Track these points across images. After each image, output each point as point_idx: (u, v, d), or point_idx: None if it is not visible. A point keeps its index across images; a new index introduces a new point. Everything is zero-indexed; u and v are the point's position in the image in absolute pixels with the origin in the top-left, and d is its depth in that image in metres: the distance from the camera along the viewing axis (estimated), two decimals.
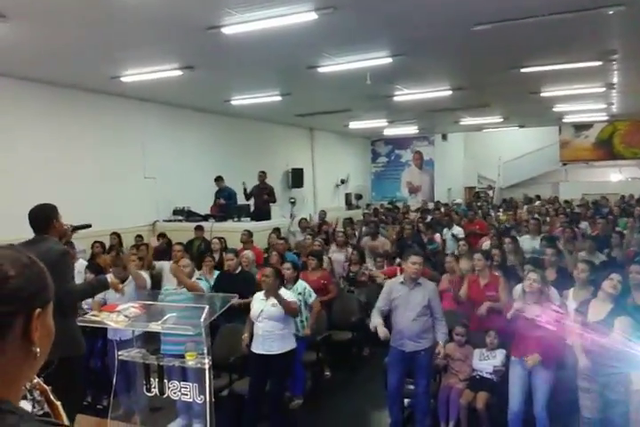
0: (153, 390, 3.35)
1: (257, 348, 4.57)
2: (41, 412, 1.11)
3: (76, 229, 4.50)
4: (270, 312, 4.53)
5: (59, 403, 1.14)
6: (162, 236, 8.75)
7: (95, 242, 7.43)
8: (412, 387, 4.66)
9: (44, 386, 1.13)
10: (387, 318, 4.67)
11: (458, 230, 9.54)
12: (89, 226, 4.94)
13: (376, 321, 4.56)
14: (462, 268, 5.85)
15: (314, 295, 5.50)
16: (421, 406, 4.57)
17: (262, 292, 4.71)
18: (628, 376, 3.69)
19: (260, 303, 4.61)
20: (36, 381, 1.14)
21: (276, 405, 4.61)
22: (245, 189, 10.86)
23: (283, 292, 4.68)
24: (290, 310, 4.55)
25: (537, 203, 15.16)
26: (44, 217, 3.77)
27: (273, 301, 4.56)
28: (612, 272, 4.10)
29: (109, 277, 3.91)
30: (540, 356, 4.12)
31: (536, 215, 10.76)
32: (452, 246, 8.99)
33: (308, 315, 5.48)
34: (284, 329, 4.57)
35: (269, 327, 4.51)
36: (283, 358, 4.52)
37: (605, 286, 3.97)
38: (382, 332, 4.46)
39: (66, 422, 1.10)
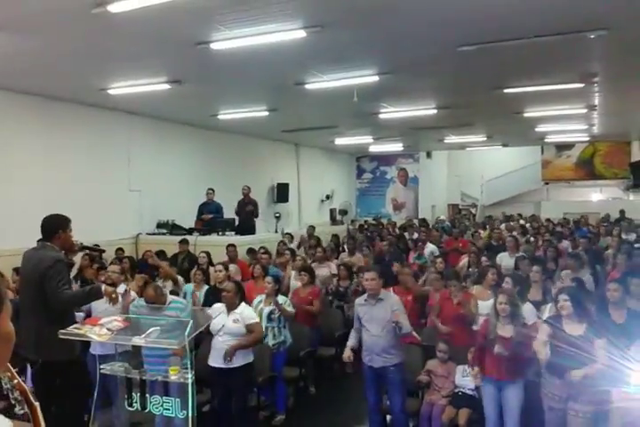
0: (134, 404, 3.31)
1: (214, 361, 4.57)
2: (22, 411, 1.10)
3: (85, 248, 4.56)
4: (231, 329, 4.55)
5: (37, 404, 1.13)
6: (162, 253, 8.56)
7: (85, 254, 7.34)
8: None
9: (24, 386, 1.12)
10: None
11: (432, 248, 9.59)
12: (102, 251, 4.98)
13: (348, 343, 4.78)
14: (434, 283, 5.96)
15: (291, 308, 5.52)
16: (398, 423, 4.60)
17: (223, 305, 4.71)
18: (608, 394, 3.71)
19: (221, 318, 4.58)
20: (16, 381, 1.13)
21: (244, 420, 4.60)
22: (236, 209, 10.85)
23: (242, 307, 4.70)
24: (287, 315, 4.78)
25: (520, 221, 15.31)
26: (51, 226, 3.97)
27: (234, 316, 4.59)
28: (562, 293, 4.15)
29: (104, 286, 3.90)
30: (509, 373, 4.15)
31: (514, 233, 10.88)
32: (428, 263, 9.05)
33: (283, 325, 5.50)
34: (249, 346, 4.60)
35: (228, 342, 4.52)
36: (241, 372, 4.53)
37: (560, 309, 4.04)
38: (345, 353, 4.70)
39: (42, 423, 1.10)
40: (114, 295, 3.85)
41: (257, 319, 4.79)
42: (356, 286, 7.31)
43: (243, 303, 4.77)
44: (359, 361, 4.81)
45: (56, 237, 3.97)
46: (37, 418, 1.11)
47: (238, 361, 4.53)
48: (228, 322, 4.58)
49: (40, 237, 4.06)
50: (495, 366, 4.24)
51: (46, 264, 3.78)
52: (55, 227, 4.00)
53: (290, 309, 5.49)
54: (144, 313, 4.36)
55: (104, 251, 4.97)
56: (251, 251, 8.52)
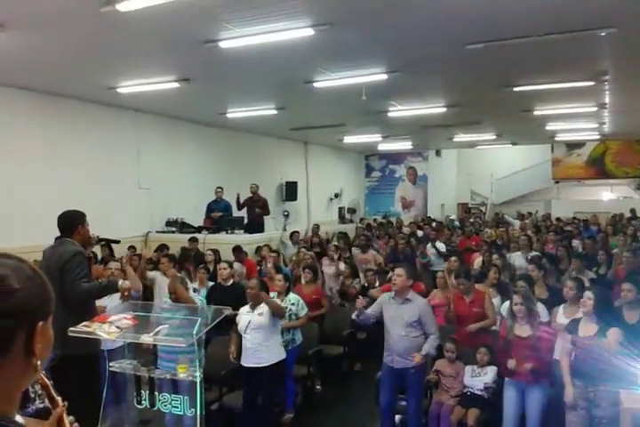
0: (143, 402, 3.33)
1: (246, 361, 4.57)
2: (41, 405, 1.10)
3: (102, 240, 4.63)
4: (258, 322, 4.55)
5: (59, 399, 1.13)
6: (165, 247, 8.62)
7: (103, 245, 7.40)
8: (403, 403, 4.65)
9: (46, 381, 1.12)
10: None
11: (440, 246, 9.58)
12: (117, 241, 5.06)
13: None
14: (454, 284, 5.87)
15: (305, 310, 5.52)
16: (413, 424, 4.55)
17: (248, 305, 4.73)
18: (618, 395, 3.69)
19: (246, 316, 4.62)
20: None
21: (267, 418, 4.60)
22: (239, 199, 10.85)
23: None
24: (277, 310, 4.63)
25: (528, 220, 15.24)
26: (69, 222, 4.05)
27: (259, 310, 4.60)
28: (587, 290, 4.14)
29: (121, 281, 3.95)
30: (531, 375, 4.13)
31: (528, 232, 10.82)
32: (435, 261, 9.04)
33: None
34: (272, 340, 4.59)
35: (258, 339, 4.53)
36: (273, 370, 4.53)
37: (581, 306, 4.03)
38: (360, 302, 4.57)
39: (65, 419, 1.09)
40: (126, 293, 3.88)
41: (305, 310, 4.98)
42: (356, 283, 7.33)
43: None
44: (365, 360, 4.79)
45: (75, 233, 4.06)
46: (60, 413, 1.10)
47: (270, 359, 4.52)
48: (253, 317, 4.58)
49: (49, 234, 4.10)
50: (520, 368, 4.20)
51: (66, 257, 3.86)
52: (74, 222, 4.08)
53: (303, 312, 5.48)
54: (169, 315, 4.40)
55: (119, 241, 5.03)
56: (257, 249, 8.56)
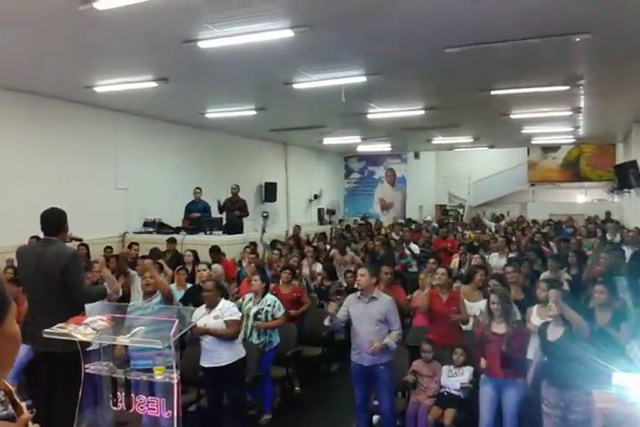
0: (119, 404, 3.29)
1: (205, 362, 4.57)
2: (4, 413, 1.09)
3: (73, 239, 4.61)
4: (213, 325, 4.54)
5: (23, 404, 1.12)
6: (135, 244, 8.59)
7: (80, 245, 7.28)
8: (377, 403, 4.68)
9: (9, 387, 1.11)
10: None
11: (414, 247, 9.65)
12: (80, 239, 5.02)
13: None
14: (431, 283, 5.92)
15: (282, 311, 5.51)
16: (387, 422, 4.60)
17: (204, 306, 4.72)
18: (591, 395, 3.75)
19: (202, 319, 4.58)
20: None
21: (238, 418, 4.60)
22: (219, 204, 10.82)
23: (222, 303, 4.72)
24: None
25: (503, 222, 15.47)
26: (58, 221, 4.07)
27: (215, 313, 4.60)
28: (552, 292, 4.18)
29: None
30: (505, 372, 4.20)
31: (503, 234, 10.97)
32: (410, 262, 9.12)
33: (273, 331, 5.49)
34: (229, 341, 4.59)
35: (215, 341, 4.53)
36: (233, 369, 4.53)
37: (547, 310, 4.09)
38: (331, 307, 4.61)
39: (30, 424, 1.08)
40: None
41: (236, 317, 4.70)
42: (338, 285, 7.35)
43: (223, 300, 4.78)
44: (344, 361, 4.81)
45: (62, 231, 4.08)
46: (24, 418, 1.09)
47: (229, 359, 4.52)
48: (209, 320, 4.58)
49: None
50: (491, 364, 4.28)
51: (66, 259, 3.92)
52: (62, 221, 4.10)
53: (280, 312, 5.47)
54: (140, 313, 4.36)
55: (81, 239, 5.05)
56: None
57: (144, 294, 4.60)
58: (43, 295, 3.93)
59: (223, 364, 4.50)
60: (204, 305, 4.73)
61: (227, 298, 5.04)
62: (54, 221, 4.08)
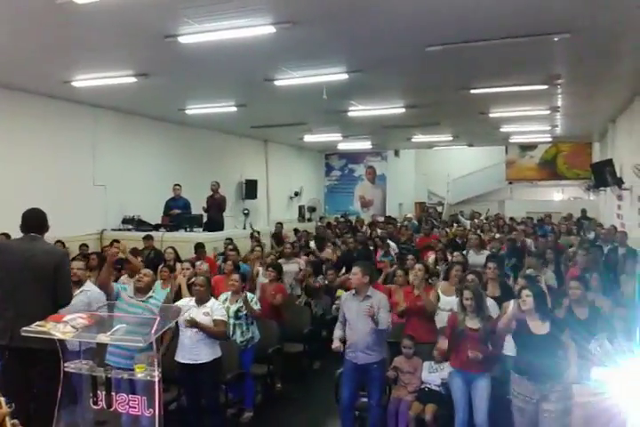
0: (100, 402, 3.25)
1: (182, 357, 4.57)
2: None
3: None
4: (202, 322, 4.55)
5: (2, 399, 1.09)
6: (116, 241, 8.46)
7: None
8: (364, 400, 4.69)
9: None
10: None
11: (392, 245, 9.70)
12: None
13: (335, 334, 4.76)
14: (411, 281, 5.96)
15: (258, 306, 5.51)
16: (374, 419, 4.61)
17: (192, 299, 4.78)
18: (569, 390, 3.81)
19: (192, 312, 4.58)
20: None
21: (215, 418, 4.59)
22: (205, 209, 10.76)
23: (212, 301, 4.77)
24: (216, 334, 4.60)
25: (482, 217, 15.63)
26: (42, 220, 4.16)
27: (205, 309, 4.63)
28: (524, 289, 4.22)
29: None
30: (478, 366, 4.25)
31: (478, 231, 11.07)
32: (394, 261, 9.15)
33: (251, 322, 5.48)
34: (211, 338, 4.59)
35: (197, 337, 4.53)
36: (209, 367, 4.52)
37: (521, 304, 4.12)
38: (335, 344, 4.65)
39: (7, 421, 1.06)
40: None
41: (225, 317, 4.81)
42: (319, 280, 7.37)
43: (212, 298, 4.86)
44: (326, 358, 4.82)
45: (45, 231, 4.16)
46: (5, 423, 1.07)
47: (207, 357, 4.52)
48: (198, 315, 4.57)
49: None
50: (463, 357, 4.32)
51: (59, 257, 4.07)
52: (46, 220, 4.18)
53: (256, 307, 5.46)
54: (124, 298, 4.43)
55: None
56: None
57: (135, 290, 4.55)
58: (28, 292, 3.91)
59: (200, 361, 4.50)
60: (194, 299, 4.76)
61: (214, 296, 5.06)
62: (40, 220, 4.15)
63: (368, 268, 4.81)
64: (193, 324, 4.48)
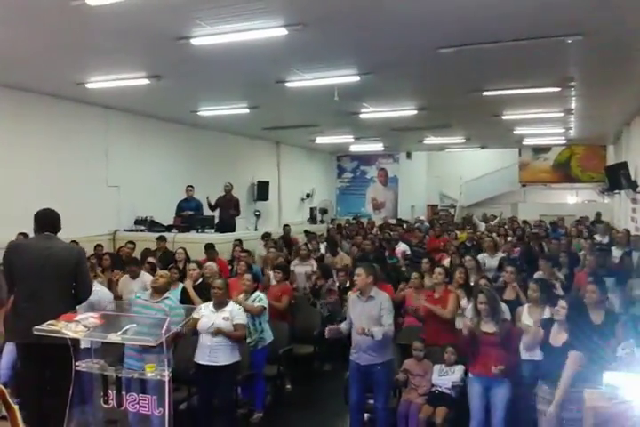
0: (110, 401, 3.28)
1: (202, 359, 4.57)
2: None
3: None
4: (222, 326, 4.56)
5: (16, 407, 1.11)
6: (131, 242, 8.57)
7: None
8: (372, 402, 4.68)
9: (2, 388, 1.10)
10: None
11: (404, 247, 9.67)
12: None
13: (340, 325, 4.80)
14: (427, 285, 5.93)
15: (262, 302, 5.49)
16: (382, 422, 4.59)
17: (211, 304, 4.74)
18: (582, 395, 3.77)
19: (209, 316, 4.61)
20: None
21: (228, 419, 4.60)
22: (209, 202, 10.79)
23: (231, 305, 4.76)
24: (238, 339, 4.67)
25: (494, 221, 15.53)
26: (56, 219, 4.25)
27: (224, 314, 4.62)
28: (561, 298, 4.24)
29: None
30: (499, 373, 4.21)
31: (493, 234, 11.00)
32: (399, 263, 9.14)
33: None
34: (231, 341, 4.60)
35: (218, 339, 4.54)
36: (228, 370, 4.54)
37: (554, 313, 4.13)
38: (327, 329, 4.74)
39: (21, 425, 1.07)
40: None
41: (245, 321, 4.82)
42: (330, 285, 7.35)
43: (231, 302, 4.83)
44: (336, 360, 4.81)
45: (58, 230, 4.23)
46: (16, 420, 1.08)
47: (226, 360, 4.53)
48: (217, 320, 4.58)
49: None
50: (483, 363, 4.29)
51: (78, 256, 4.17)
52: (58, 220, 4.26)
53: (257, 304, 5.43)
54: (140, 302, 4.45)
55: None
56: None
57: (153, 291, 4.57)
58: (51, 290, 3.98)
59: (220, 364, 4.50)
60: (212, 303, 4.74)
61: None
62: (53, 219, 4.23)
63: (371, 268, 4.82)
64: (219, 333, 4.50)
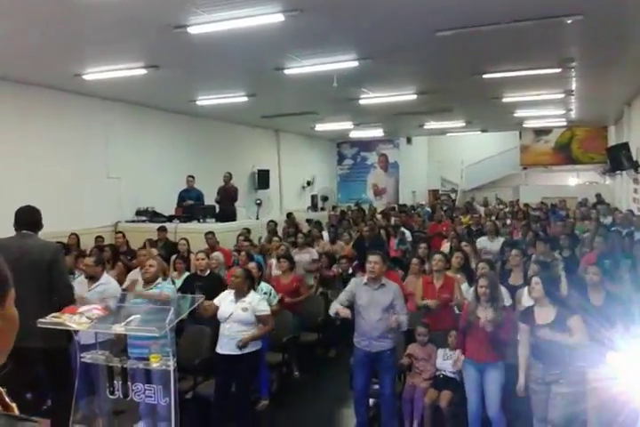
0: (116, 392, 3.30)
1: (222, 348, 4.54)
2: None
3: None
4: (240, 317, 4.50)
5: (14, 405, 1.10)
6: (119, 232, 8.60)
7: (57, 242, 7.16)
8: (377, 387, 4.71)
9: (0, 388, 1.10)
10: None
11: (406, 233, 9.66)
12: None
13: (336, 306, 4.64)
14: (427, 270, 5.93)
15: (277, 298, 5.51)
16: (388, 407, 4.61)
17: (231, 292, 4.66)
18: (585, 374, 3.80)
19: (229, 305, 4.56)
20: None
21: (243, 406, 4.60)
22: (217, 200, 10.80)
23: (251, 295, 4.65)
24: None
25: (500, 206, 15.52)
26: (37, 218, 4.11)
27: (243, 304, 4.53)
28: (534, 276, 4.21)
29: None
30: (489, 354, 4.24)
31: (493, 217, 11.00)
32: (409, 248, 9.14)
33: None
34: (251, 331, 4.55)
35: (236, 329, 4.49)
36: (248, 359, 4.51)
37: (530, 291, 4.12)
38: (343, 311, 4.54)
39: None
40: None
41: (269, 311, 4.68)
42: (335, 270, 7.38)
43: (252, 292, 4.69)
44: (340, 346, 4.82)
45: (39, 228, 4.10)
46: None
47: (249, 347, 4.49)
48: (236, 310, 4.50)
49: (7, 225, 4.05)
50: (476, 348, 4.32)
51: (53, 253, 3.99)
52: (40, 217, 4.13)
53: (275, 300, 5.45)
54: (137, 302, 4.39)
55: None
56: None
57: (144, 282, 4.59)
58: (25, 291, 3.89)
59: (241, 352, 4.46)
60: (232, 292, 4.63)
61: (254, 289, 4.87)
62: (34, 217, 4.09)
63: (384, 256, 4.77)
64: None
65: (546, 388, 3.95)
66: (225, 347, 4.51)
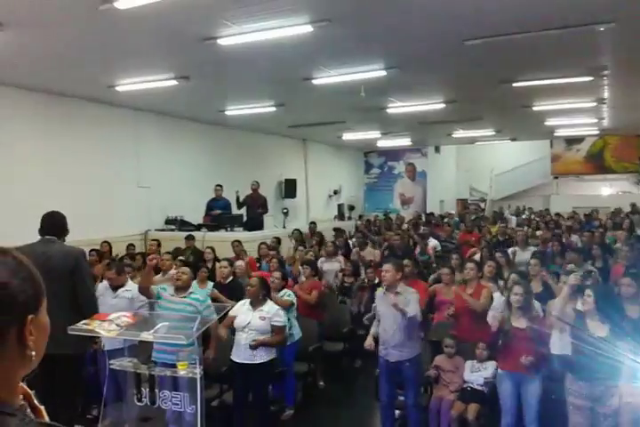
0: (144, 399, 3.34)
1: (238, 357, 4.55)
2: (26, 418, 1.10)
3: None
4: (257, 326, 4.53)
5: (42, 407, 1.12)
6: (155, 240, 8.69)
7: (92, 250, 7.30)
8: (403, 398, 4.66)
9: (27, 389, 1.12)
10: None
11: (435, 243, 9.57)
12: None
13: (371, 331, 4.78)
14: (457, 280, 5.86)
15: (291, 298, 5.48)
16: (413, 418, 4.57)
17: (247, 301, 4.71)
18: (619, 389, 3.69)
19: (246, 314, 4.58)
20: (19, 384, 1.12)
21: (262, 415, 4.60)
22: (238, 198, 10.88)
23: (269, 304, 4.67)
24: (278, 344, 4.66)
25: (524, 215, 15.28)
26: (62, 223, 4.13)
27: (261, 313, 4.56)
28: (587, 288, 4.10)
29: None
30: (529, 366, 4.14)
31: (525, 228, 10.82)
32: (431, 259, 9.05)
33: (291, 316, 5.44)
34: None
35: (254, 337, 4.51)
36: (265, 367, 4.52)
37: (583, 303, 4.02)
38: (367, 341, 4.70)
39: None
40: None
41: (284, 322, 4.70)
42: (361, 282, 7.32)
43: (270, 301, 4.71)
44: (366, 357, 4.80)
45: (65, 234, 4.15)
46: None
47: (263, 357, 4.50)
48: (254, 319, 4.53)
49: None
50: (513, 359, 4.23)
51: (76, 259, 3.99)
52: (66, 223, 4.16)
53: (288, 298, 5.44)
54: (165, 297, 4.43)
55: None
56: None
57: (175, 288, 4.62)
58: (49, 296, 3.94)
59: (257, 361, 4.47)
60: (248, 301, 4.68)
61: (270, 297, 4.87)
62: (57, 223, 4.11)
63: (398, 264, 4.80)
64: (258, 346, 4.46)
65: (591, 404, 3.82)
66: (241, 355, 4.53)
